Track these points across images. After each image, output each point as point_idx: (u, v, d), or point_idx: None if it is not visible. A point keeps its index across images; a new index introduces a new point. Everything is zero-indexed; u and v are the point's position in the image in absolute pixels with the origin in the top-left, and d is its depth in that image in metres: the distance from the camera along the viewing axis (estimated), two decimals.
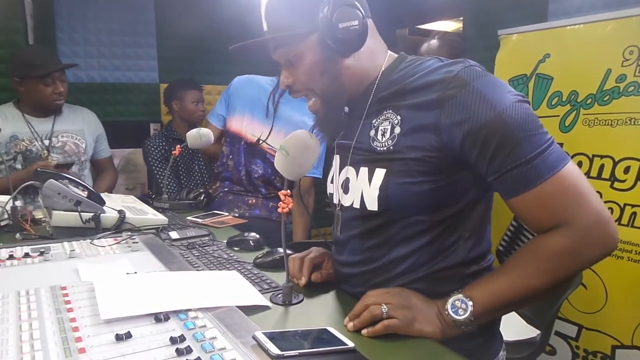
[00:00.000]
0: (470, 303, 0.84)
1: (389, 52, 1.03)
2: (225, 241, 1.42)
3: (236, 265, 1.20)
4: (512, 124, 0.82)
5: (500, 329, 1.03)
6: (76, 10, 2.71)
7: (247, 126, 2.08)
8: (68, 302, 0.90)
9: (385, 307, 0.84)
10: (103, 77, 2.85)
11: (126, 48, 2.89)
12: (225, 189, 2.10)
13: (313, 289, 1.05)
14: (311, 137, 0.95)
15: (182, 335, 0.76)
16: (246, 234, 1.41)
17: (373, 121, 0.97)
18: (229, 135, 2.15)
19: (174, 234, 1.45)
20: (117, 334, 0.76)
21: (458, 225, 0.93)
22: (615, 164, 2.02)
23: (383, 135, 0.94)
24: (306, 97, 1.02)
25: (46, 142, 2.19)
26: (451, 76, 0.86)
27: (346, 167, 1.02)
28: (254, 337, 0.76)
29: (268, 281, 1.09)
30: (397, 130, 0.91)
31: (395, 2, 3.40)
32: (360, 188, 0.96)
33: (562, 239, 0.82)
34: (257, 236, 1.39)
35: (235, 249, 1.37)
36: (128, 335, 0.76)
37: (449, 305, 0.85)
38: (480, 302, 0.84)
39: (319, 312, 0.97)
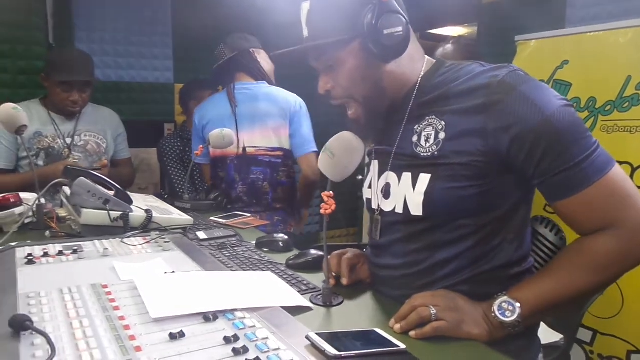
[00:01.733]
0: (518, 305, 0.84)
1: (426, 57, 1.04)
2: (253, 242, 1.43)
3: (269, 266, 1.20)
4: (561, 128, 0.83)
5: None
6: (94, 9, 2.73)
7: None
8: (112, 300, 0.90)
9: (433, 309, 0.84)
10: (119, 76, 2.86)
11: (142, 47, 2.90)
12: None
13: (351, 291, 1.06)
14: (356, 138, 0.96)
15: (235, 335, 0.77)
16: (275, 235, 1.41)
17: (415, 127, 0.97)
18: (216, 160, 2.13)
19: (201, 234, 1.45)
20: (170, 333, 0.76)
21: (502, 228, 0.93)
22: (633, 170, 2.03)
23: (427, 141, 0.94)
24: (346, 104, 1.02)
25: (68, 140, 2.20)
26: (497, 81, 0.87)
27: (386, 172, 1.02)
28: (308, 338, 0.76)
29: (305, 282, 1.10)
30: (442, 135, 0.92)
31: (408, 7, 3.41)
32: (403, 193, 0.97)
33: (611, 240, 0.83)
34: (286, 237, 1.40)
35: (265, 250, 1.37)
36: (182, 335, 0.76)
37: (495, 307, 0.86)
38: (527, 304, 0.85)
39: (360, 314, 0.97)
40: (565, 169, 0.83)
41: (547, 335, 1.67)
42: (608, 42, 2.12)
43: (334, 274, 1.07)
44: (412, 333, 0.84)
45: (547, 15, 2.58)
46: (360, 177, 3.41)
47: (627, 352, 2.10)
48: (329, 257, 1.10)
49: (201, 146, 1.98)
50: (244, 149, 2.05)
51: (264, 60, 2.12)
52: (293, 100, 2.07)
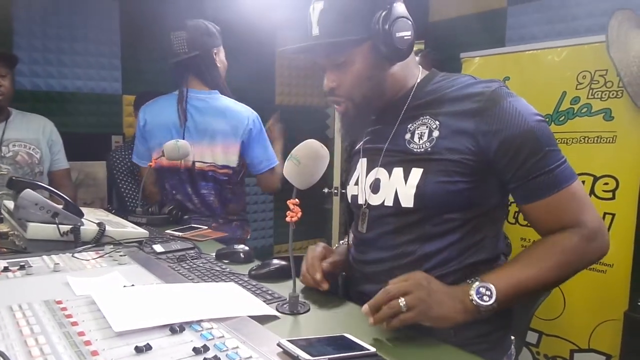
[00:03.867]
0: (494, 289, 0.88)
1: (420, 67, 1.11)
2: (212, 254, 1.40)
3: (232, 277, 1.18)
4: (541, 138, 0.93)
5: None
6: (36, 14, 2.59)
7: None
8: (69, 315, 0.85)
9: (403, 300, 0.83)
10: (63, 86, 2.73)
11: (89, 57, 2.79)
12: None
13: (317, 298, 1.06)
14: (322, 146, 0.97)
15: (205, 345, 0.75)
16: (235, 246, 1.39)
17: (409, 126, 1.04)
18: (164, 171, 1.99)
19: (158, 247, 1.41)
20: (136, 346, 0.73)
21: (484, 225, 1.01)
22: None
23: (420, 138, 1.01)
24: (337, 102, 1.07)
25: None
26: (490, 90, 0.97)
27: (376, 168, 1.07)
28: (280, 345, 0.76)
29: (269, 292, 1.09)
30: (436, 133, 0.99)
31: None
32: (394, 187, 1.02)
33: (575, 237, 0.93)
34: (247, 248, 1.38)
35: (225, 261, 1.35)
36: (148, 347, 0.74)
37: (473, 292, 0.88)
38: (502, 289, 0.89)
39: (328, 320, 0.97)
40: (540, 174, 0.92)
41: None
42: (545, 60, 2.29)
43: (317, 277, 1.07)
44: (384, 326, 0.87)
45: (489, 34, 2.74)
46: (326, 190, 3.40)
47: (570, 351, 2.23)
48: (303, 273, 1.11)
49: (154, 159, 1.91)
50: (193, 162, 1.96)
51: (221, 62, 2.02)
52: (246, 117, 1.96)
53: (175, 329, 0.81)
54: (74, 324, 0.82)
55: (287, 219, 0.96)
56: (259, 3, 2.78)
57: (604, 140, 2.11)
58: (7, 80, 2.03)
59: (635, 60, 1.87)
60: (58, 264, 1.16)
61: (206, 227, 1.78)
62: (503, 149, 0.93)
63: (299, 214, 0.96)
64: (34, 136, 2.18)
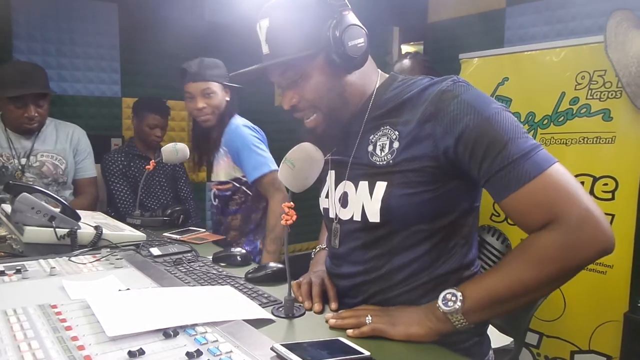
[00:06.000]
0: (459, 293, 0.87)
1: (379, 70, 1.08)
2: (210, 257, 1.40)
3: (228, 280, 1.19)
4: (499, 128, 0.87)
5: None
6: (35, 18, 2.60)
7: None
8: (63, 320, 0.85)
9: (370, 317, 0.91)
10: (62, 89, 2.74)
11: (88, 60, 2.80)
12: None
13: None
14: (316, 149, 0.97)
15: (198, 349, 0.75)
16: (232, 249, 1.39)
17: (370, 137, 1.00)
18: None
19: (155, 251, 1.41)
20: (129, 351, 0.73)
21: (454, 233, 0.98)
22: None
23: (382, 150, 0.98)
24: (305, 115, 1.03)
25: (23, 160, 2.07)
26: (442, 90, 0.93)
27: (344, 181, 1.04)
28: (273, 349, 0.76)
29: (265, 295, 1.09)
30: (396, 144, 0.96)
31: (385, 26, 3.51)
32: (361, 201, 0.99)
33: (554, 234, 0.83)
34: (244, 251, 1.38)
35: (222, 264, 1.35)
36: (141, 352, 0.73)
37: (440, 299, 0.88)
38: (471, 296, 0.87)
39: (323, 324, 0.97)
40: (505, 165, 0.85)
41: (498, 339, 1.74)
42: (543, 61, 2.28)
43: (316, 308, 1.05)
44: (348, 331, 0.89)
45: (488, 35, 2.74)
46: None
47: (570, 352, 2.22)
48: (301, 282, 1.11)
49: (152, 161, 1.91)
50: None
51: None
52: (228, 131, 1.94)
53: (169, 333, 0.80)
54: (68, 328, 0.82)
55: (282, 222, 0.96)
56: (258, 4, 2.78)
57: (603, 140, 2.10)
58: (43, 108, 2.10)
59: (634, 61, 1.86)
60: (54, 267, 1.16)
61: (204, 230, 1.78)
62: (461, 146, 0.89)
63: (294, 217, 0.96)
64: (62, 146, 2.21)
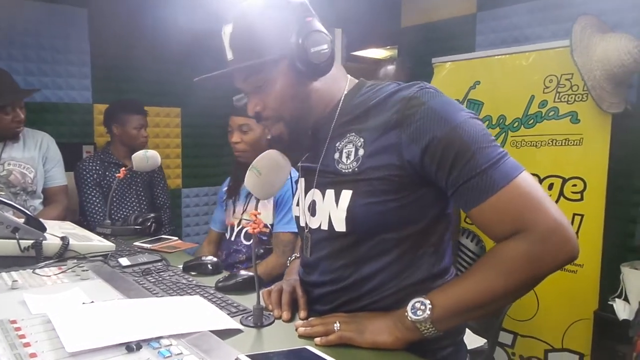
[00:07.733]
0: (428, 302, 0.86)
1: (349, 76, 1.07)
2: (180, 266, 1.38)
3: (197, 290, 1.17)
4: (466, 138, 0.86)
5: None
6: (1, 22, 2.52)
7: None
8: (22, 336, 0.82)
9: (338, 324, 0.90)
10: (31, 96, 2.66)
11: (57, 65, 2.73)
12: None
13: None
14: (282, 156, 0.96)
15: None
16: (203, 258, 1.37)
17: (337, 144, 0.99)
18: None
19: (124, 261, 1.38)
20: None
21: (422, 242, 0.96)
22: (540, 181, 2.21)
23: (347, 157, 0.96)
24: (270, 125, 1.02)
25: None
26: (408, 97, 0.91)
27: (312, 189, 1.03)
28: None
29: (235, 304, 1.07)
30: (361, 152, 0.94)
31: (328, 28, 3.51)
32: (328, 210, 0.98)
33: (521, 244, 0.83)
34: (215, 259, 1.36)
35: (193, 273, 1.33)
36: None
37: (408, 308, 0.88)
38: (440, 304, 0.86)
39: (291, 332, 0.96)
40: (473, 175, 0.84)
41: (471, 340, 1.75)
42: (513, 65, 2.32)
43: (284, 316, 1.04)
44: (316, 340, 0.89)
45: (460, 39, 2.77)
46: None
47: (544, 351, 2.26)
48: (271, 290, 1.10)
49: (123, 169, 1.88)
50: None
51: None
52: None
53: (131, 347, 0.79)
54: (27, 344, 0.79)
55: (249, 230, 0.95)
56: (228, 9, 2.76)
57: (571, 142, 2.15)
58: (24, 110, 2.10)
59: (598, 65, 1.91)
60: (16, 281, 1.13)
61: (176, 238, 1.75)
62: (428, 156, 0.87)
63: (261, 225, 0.95)
64: (30, 155, 2.17)
